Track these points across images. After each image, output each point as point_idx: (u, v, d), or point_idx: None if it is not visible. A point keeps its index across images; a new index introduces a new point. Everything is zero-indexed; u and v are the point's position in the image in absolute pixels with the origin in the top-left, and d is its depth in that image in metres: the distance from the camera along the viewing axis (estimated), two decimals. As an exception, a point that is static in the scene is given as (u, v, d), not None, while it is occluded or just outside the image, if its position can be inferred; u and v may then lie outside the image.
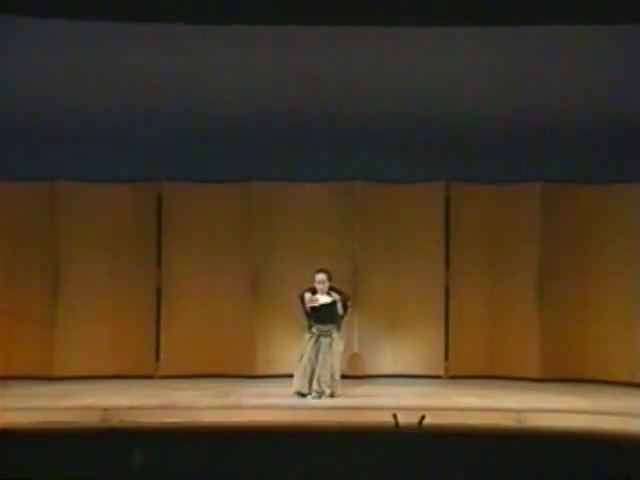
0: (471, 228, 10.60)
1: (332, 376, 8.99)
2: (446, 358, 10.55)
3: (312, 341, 9.05)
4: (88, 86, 10.27)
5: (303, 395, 8.91)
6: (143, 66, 10.18)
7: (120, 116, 10.40)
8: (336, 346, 9.07)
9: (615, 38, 9.96)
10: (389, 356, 10.56)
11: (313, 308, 9.09)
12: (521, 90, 10.32)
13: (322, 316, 9.09)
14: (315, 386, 8.92)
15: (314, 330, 9.08)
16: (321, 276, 9.11)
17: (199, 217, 10.58)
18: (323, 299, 9.09)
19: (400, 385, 10.00)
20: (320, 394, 8.90)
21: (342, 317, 9.20)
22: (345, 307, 9.18)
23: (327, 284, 9.11)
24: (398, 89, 10.35)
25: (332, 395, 8.93)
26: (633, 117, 10.25)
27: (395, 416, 7.14)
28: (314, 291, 9.12)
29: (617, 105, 10.26)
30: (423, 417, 7.06)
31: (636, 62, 10.14)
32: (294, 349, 9.25)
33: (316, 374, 8.94)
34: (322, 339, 9.04)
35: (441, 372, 10.52)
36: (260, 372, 10.37)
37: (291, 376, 9.11)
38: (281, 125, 10.45)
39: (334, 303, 9.10)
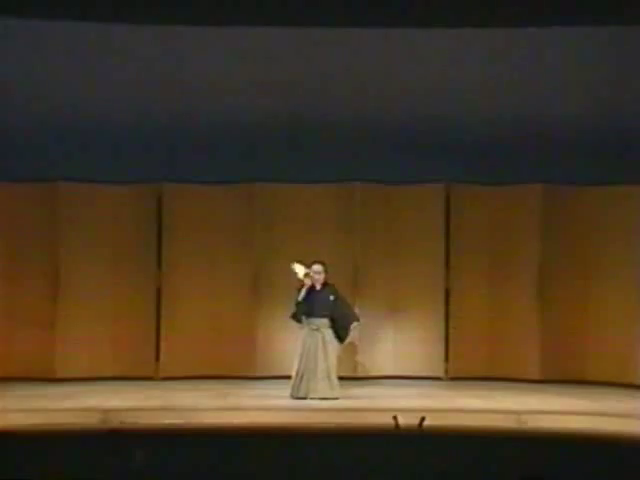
0: (471, 229, 10.60)
1: (328, 376, 8.99)
2: (446, 359, 10.55)
3: (306, 341, 9.04)
4: (88, 87, 10.26)
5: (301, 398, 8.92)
6: (143, 67, 10.18)
7: (120, 116, 10.40)
8: (330, 345, 9.06)
9: (615, 39, 9.96)
10: (389, 357, 10.55)
11: (309, 292, 9.09)
12: (521, 91, 10.32)
13: (313, 307, 9.08)
14: (311, 385, 8.93)
15: (305, 325, 9.07)
16: (317, 267, 9.15)
17: (199, 218, 10.58)
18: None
19: (400, 386, 10.00)
20: (316, 393, 8.90)
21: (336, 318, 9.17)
22: (347, 329, 9.12)
23: (323, 275, 9.14)
24: (398, 91, 10.35)
25: (335, 398, 8.91)
26: (633, 118, 10.25)
27: (395, 418, 7.13)
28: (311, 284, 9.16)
29: (617, 106, 10.26)
30: (423, 419, 7.05)
31: (636, 63, 10.14)
32: (294, 350, 9.24)
33: (310, 374, 8.95)
34: (315, 334, 9.04)
35: (441, 373, 10.52)
36: (260, 373, 10.37)
37: (291, 377, 9.11)
38: (281, 127, 10.45)
39: (327, 288, 9.11)
